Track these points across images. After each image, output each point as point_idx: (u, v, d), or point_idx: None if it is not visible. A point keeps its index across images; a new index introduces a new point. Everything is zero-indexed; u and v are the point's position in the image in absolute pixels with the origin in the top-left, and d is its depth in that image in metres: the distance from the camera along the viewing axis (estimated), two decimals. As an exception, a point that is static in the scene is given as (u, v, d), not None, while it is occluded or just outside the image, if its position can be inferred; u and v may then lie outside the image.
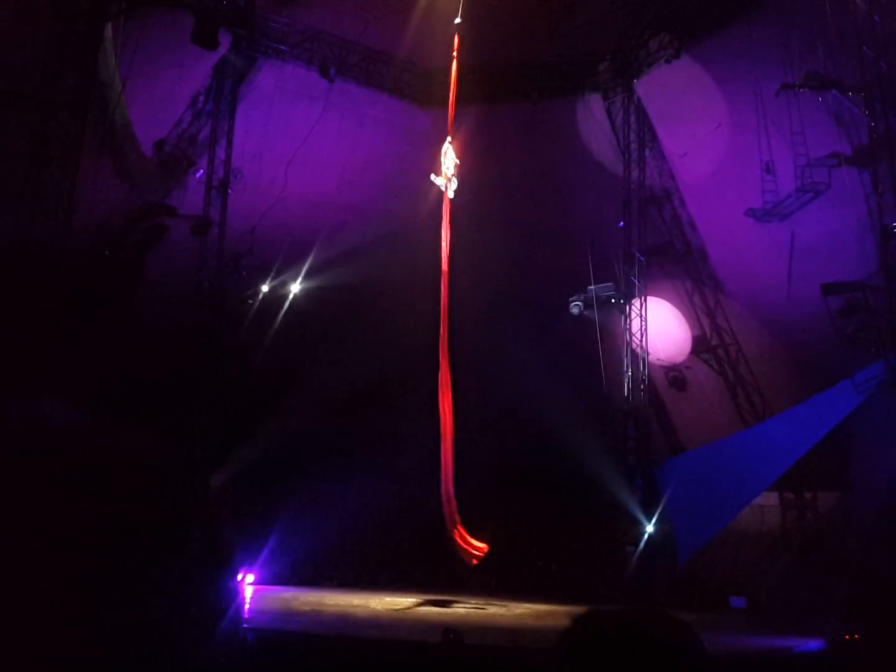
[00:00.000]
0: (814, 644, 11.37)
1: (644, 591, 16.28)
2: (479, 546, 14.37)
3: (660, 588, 16.28)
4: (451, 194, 14.80)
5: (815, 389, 15.56)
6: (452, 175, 14.78)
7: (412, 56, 19.28)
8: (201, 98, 18.39)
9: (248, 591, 15.24)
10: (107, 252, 15.86)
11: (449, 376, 14.25)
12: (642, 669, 1.60)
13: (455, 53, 15.58)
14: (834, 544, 15.44)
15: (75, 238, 13.86)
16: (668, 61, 18.23)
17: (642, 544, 17.12)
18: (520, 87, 19.69)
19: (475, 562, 14.55)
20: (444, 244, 14.86)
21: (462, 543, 14.29)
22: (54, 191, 13.54)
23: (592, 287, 19.10)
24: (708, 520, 16.34)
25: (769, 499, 17.45)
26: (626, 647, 1.64)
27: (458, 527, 14.19)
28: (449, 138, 15.09)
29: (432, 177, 14.95)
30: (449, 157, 14.87)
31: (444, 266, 14.78)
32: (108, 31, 15.48)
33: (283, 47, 18.79)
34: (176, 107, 18.07)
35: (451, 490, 14.12)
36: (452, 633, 8.87)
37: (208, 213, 17.93)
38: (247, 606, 13.34)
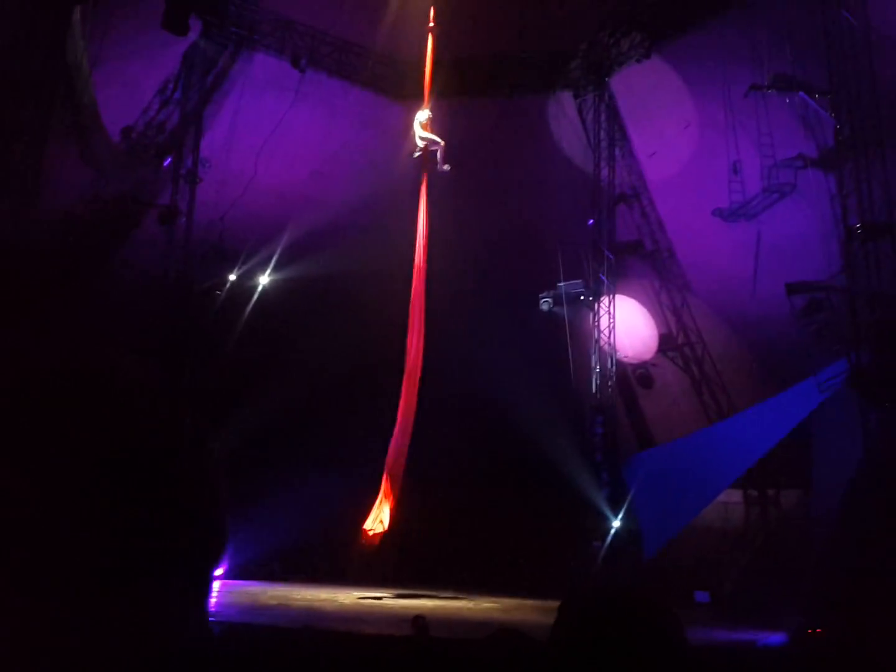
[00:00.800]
0: (776, 638, 11.53)
1: (610, 586, 16.40)
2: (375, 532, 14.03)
3: (625, 583, 16.40)
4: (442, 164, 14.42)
5: (778, 387, 15.80)
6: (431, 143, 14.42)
7: (385, 48, 19.19)
8: (170, 85, 18.12)
9: (216, 585, 15.11)
10: (71, 239, 15.58)
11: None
12: (629, 653, 1.58)
13: (431, 24, 15.44)
14: (796, 540, 15.68)
15: (40, 224, 13.60)
16: (638, 61, 18.38)
17: (609, 539, 17.25)
18: (492, 84, 19.70)
19: (367, 539, 14.17)
20: (420, 232, 14.67)
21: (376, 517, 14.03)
22: (19, 175, 13.27)
23: (562, 284, 19.22)
24: (673, 515, 16.52)
25: (733, 496, 17.69)
26: (613, 632, 1.61)
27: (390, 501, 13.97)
28: (429, 112, 14.78)
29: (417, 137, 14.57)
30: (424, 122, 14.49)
31: (419, 260, 14.65)
32: (77, 14, 15.20)
33: (254, 36, 18.59)
34: (144, 93, 17.79)
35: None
36: (421, 620, 8.85)
37: (176, 202, 17.67)
38: (213, 600, 13.23)
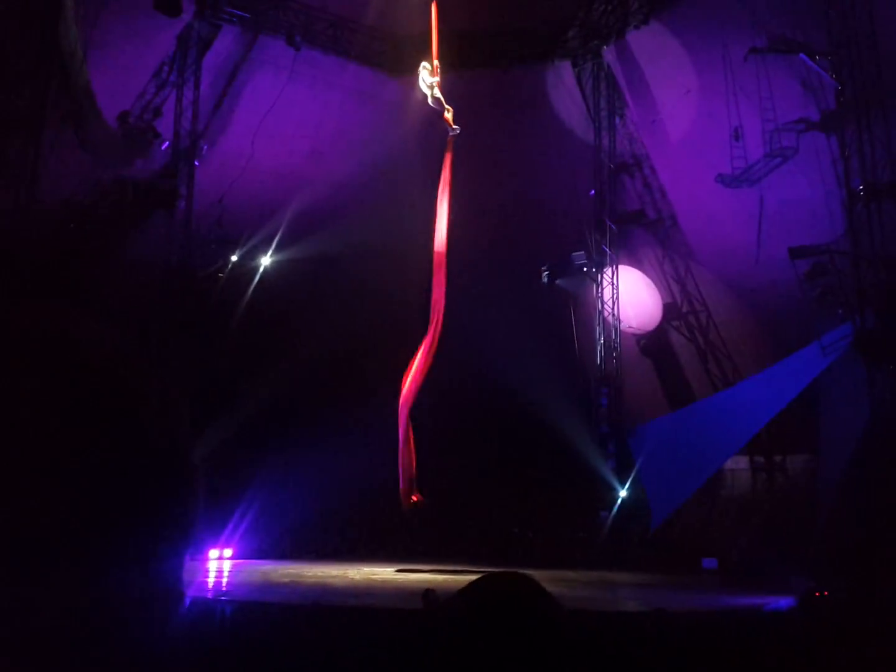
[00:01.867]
0: (784, 602, 11.60)
1: (618, 555, 16.52)
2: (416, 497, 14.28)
3: (633, 551, 16.51)
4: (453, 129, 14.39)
5: (783, 353, 15.76)
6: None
7: (380, 23, 19.02)
8: (165, 68, 18.03)
9: (227, 565, 15.29)
10: (72, 225, 15.60)
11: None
12: (497, 636, 1.61)
13: None
14: (803, 506, 15.70)
15: (40, 211, 13.61)
16: (637, 27, 18.18)
17: (616, 509, 17.34)
18: (489, 55, 19.53)
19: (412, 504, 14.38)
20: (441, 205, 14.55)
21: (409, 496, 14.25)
22: (17, 162, 13.26)
23: (565, 256, 19.14)
24: (680, 484, 16.55)
25: (739, 462, 17.71)
26: (480, 617, 1.65)
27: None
28: (437, 78, 14.49)
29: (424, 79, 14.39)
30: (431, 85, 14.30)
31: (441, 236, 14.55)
32: (69, -2, 15.11)
33: (247, 15, 18.45)
34: (139, 77, 17.71)
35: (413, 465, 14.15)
36: (432, 594, 8.93)
37: (175, 185, 17.63)
38: (225, 580, 13.39)
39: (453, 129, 14.59)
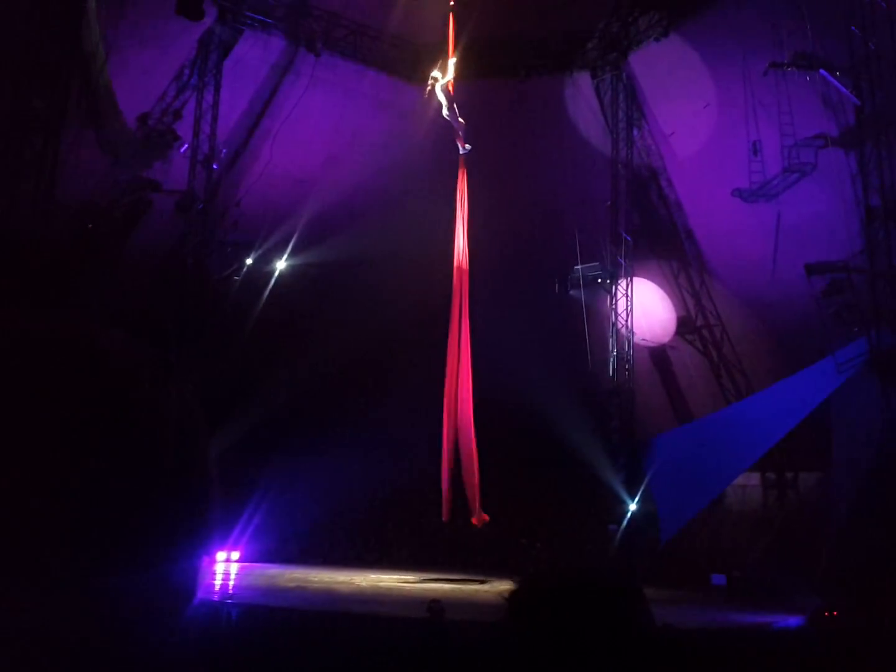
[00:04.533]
0: (794, 620, 11.50)
1: (627, 569, 16.41)
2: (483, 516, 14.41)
3: (642, 566, 16.38)
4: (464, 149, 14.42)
5: (797, 369, 15.64)
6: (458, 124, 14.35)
7: (400, 30, 19.10)
8: (186, 71, 18.14)
9: (234, 568, 15.28)
10: (90, 225, 15.68)
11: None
12: (584, 636, 1.52)
13: (452, 3, 15.24)
14: (814, 523, 15.57)
15: (58, 211, 13.69)
16: (657, 40, 18.18)
17: (625, 522, 17.23)
18: (508, 65, 19.54)
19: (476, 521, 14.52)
20: (459, 216, 14.60)
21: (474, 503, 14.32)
22: (36, 163, 13.34)
23: (579, 267, 19.12)
24: (690, 498, 16.44)
25: (751, 479, 17.59)
26: (567, 615, 1.55)
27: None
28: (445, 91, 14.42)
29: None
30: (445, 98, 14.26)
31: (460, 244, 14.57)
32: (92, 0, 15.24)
33: (268, 20, 18.56)
34: (160, 80, 17.80)
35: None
36: (436, 604, 8.91)
37: (193, 189, 17.73)
38: (232, 583, 13.39)
39: (465, 149, 14.52)
